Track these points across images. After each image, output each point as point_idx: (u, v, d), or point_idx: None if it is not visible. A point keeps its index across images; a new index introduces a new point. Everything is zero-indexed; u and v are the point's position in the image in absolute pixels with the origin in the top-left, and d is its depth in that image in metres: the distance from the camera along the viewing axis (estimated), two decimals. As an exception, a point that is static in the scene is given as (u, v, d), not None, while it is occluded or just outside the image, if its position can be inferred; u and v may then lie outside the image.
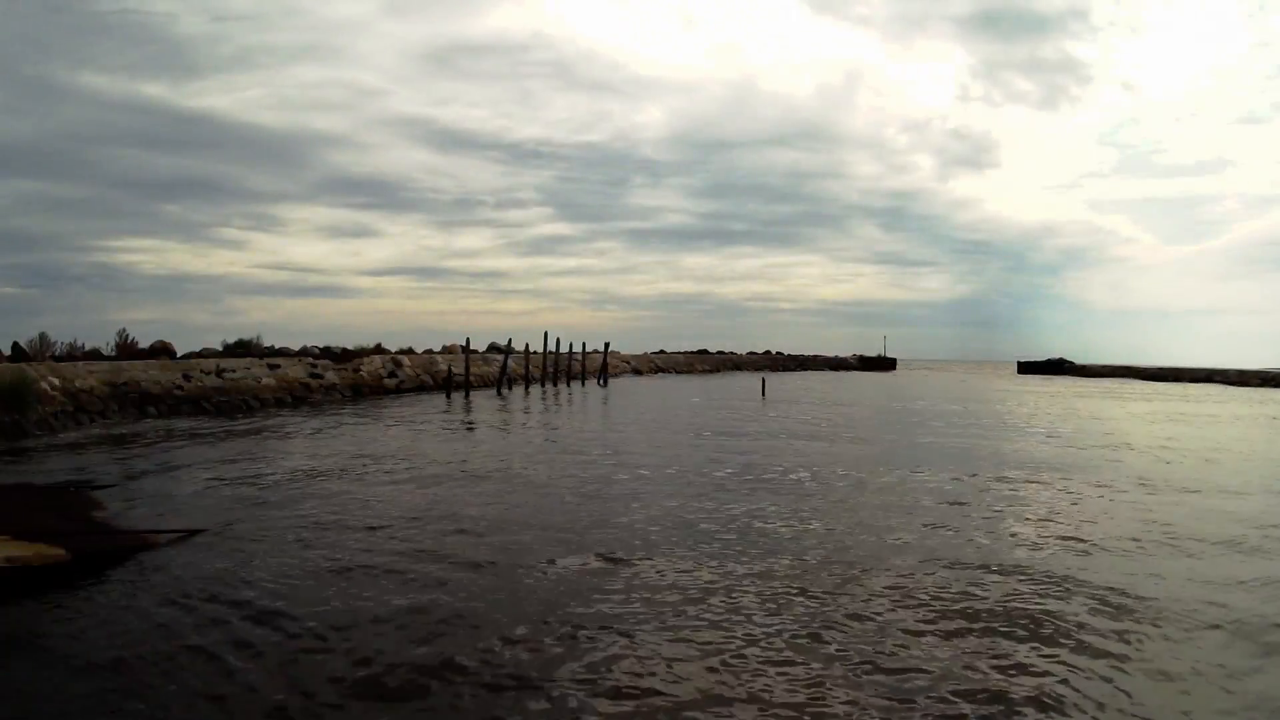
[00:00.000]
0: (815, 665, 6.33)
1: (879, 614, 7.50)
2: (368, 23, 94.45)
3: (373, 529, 10.64)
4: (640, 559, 9.33)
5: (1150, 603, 7.96)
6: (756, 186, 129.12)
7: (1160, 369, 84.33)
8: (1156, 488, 14.92)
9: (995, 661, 6.42)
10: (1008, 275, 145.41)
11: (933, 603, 7.83)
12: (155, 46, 77.64)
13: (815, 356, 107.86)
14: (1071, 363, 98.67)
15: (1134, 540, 10.63)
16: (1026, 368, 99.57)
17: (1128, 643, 6.88)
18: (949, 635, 6.99)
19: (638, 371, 69.54)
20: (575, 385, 49.18)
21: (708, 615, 7.44)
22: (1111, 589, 8.31)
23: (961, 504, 13.04)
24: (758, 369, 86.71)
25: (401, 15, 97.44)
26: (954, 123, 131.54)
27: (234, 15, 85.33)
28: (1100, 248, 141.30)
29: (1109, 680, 6.13)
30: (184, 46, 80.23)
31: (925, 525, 11.37)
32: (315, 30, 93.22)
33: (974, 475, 16.00)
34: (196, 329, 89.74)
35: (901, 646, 6.73)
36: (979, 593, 8.19)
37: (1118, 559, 9.69)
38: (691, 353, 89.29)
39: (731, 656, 6.47)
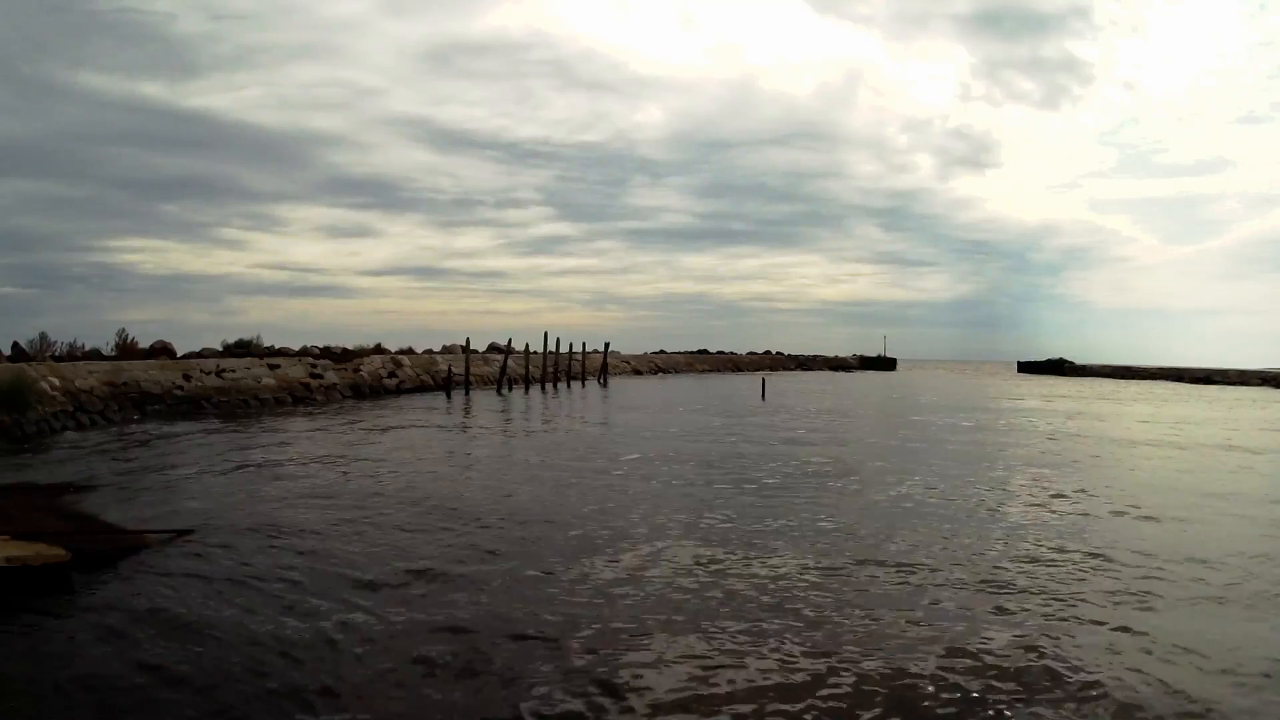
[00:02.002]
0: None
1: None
2: (366, 22, 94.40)
3: (372, 527, 10.66)
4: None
5: None
6: (756, 186, 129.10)
7: (1161, 369, 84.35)
8: None
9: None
10: (1008, 275, 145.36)
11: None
12: (154, 46, 77.65)
13: (815, 357, 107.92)
14: (1071, 363, 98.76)
15: None
16: (1026, 368, 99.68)
17: None
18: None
19: (638, 372, 69.55)
20: (575, 385, 49.19)
21: None
22: None
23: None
24: (758, 369, 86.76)
25: (400, 14, 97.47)
26: (955, 122, 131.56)
27: (232, 14, 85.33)
28: (1101, 248, 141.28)
29: None
30: (182, 46, 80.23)
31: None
32: (313, 29, 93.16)
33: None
34: (196, 329, 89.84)
35: None
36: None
37: None
38: (692, 353, 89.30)
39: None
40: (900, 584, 8.61)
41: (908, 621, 7.40)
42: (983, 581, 8.69)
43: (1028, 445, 22.07)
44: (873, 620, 7.43)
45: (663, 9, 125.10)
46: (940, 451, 20.08)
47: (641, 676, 6.14)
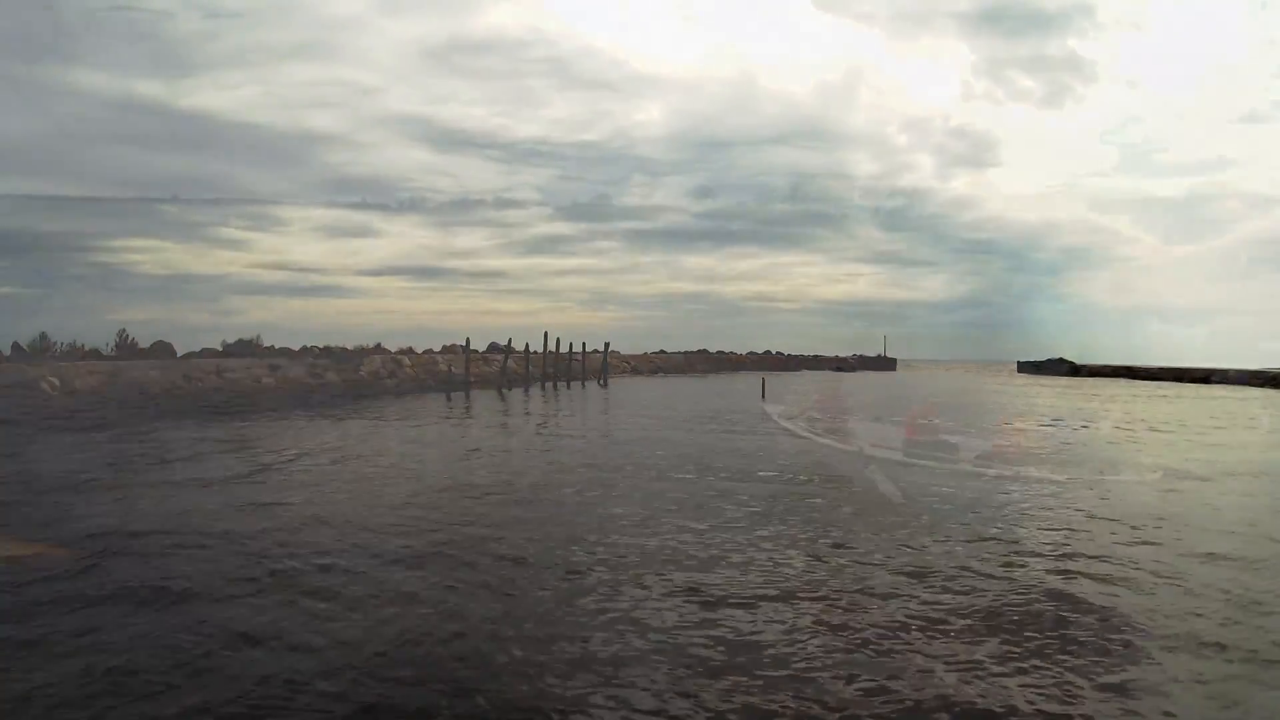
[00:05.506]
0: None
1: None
2: (364, 20, 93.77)
3: (369, 529, 10.63)
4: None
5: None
6: (756, 186, 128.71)
7: (1161, 369, 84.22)
8: None
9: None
10: (1009, 275, 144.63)
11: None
12: (150, 44, 77.42)
13: (815, 356, 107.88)
14: (1072, 362, 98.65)
15: None
16: (1026, 367, 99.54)
17: None
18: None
19: (638, 371, 69.56)
20: (576, 385, 49.15)
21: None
22: None
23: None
24: (758, 369, 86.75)
25: (398, 12, 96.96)
26: (956, 121, 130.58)
27: (228, 12, 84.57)
28: (1102, 247, 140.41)
29: None
30: (178, 44, 79.97)
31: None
32: (311, 28, 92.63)
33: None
34: (196, 329, 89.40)
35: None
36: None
37: None
38: (691, 353, 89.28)
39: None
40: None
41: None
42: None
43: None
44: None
45: (663, 6, 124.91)
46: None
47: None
